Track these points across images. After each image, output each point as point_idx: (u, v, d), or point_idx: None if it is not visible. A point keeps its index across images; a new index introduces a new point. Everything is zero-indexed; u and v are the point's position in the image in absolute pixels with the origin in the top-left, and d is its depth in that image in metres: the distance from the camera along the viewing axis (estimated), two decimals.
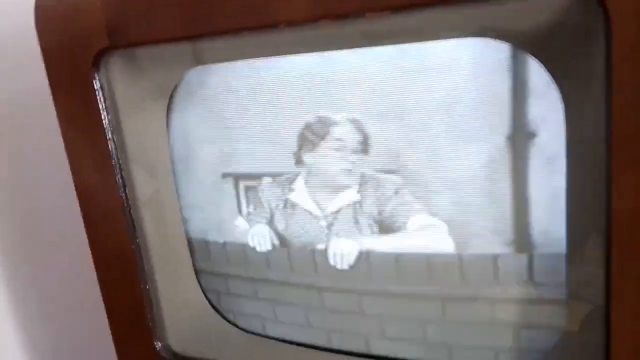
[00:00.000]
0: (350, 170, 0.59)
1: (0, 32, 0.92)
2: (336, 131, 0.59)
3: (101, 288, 0.73)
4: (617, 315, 0.47)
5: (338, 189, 0.61)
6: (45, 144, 0.93)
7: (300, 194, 0.63)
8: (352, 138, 0.58)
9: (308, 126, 0.60)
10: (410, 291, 0.60)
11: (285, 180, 0.63)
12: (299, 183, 0.63)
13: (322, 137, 0.59)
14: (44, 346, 1.08)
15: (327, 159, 0.60)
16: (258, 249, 0.67)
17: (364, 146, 0.57)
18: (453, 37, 0.50)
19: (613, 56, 0.41)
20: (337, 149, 0.59)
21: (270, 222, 0.66)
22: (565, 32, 0.45)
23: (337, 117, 0.58)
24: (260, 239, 0.67)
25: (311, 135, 0.60)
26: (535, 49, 0.47)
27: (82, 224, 0.71)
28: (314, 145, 0.60)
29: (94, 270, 0.72)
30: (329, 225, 0.62)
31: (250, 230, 0.67)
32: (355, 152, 0.58)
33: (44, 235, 1.04)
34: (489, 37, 0.49)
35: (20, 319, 1.04)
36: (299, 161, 0.61)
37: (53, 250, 1.05)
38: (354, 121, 0.57)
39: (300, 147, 0.61)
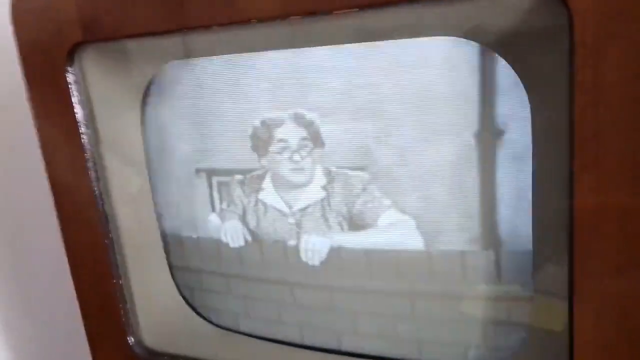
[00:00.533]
0: (301, 168, 0.60)
1: None
2: (278, 133, 0.60)
3: (74, 283, 0.73)
4: (579, 312, 0.48)
5: (300, 187, 0.61)
6: (19, 139, 0.93)
7: (268, 192, 0.64)
8: (295, 136, 0.59)
9: (255, 132, 0.61)
10: (380, 287, 0.61)
11: (255, 178, 0.64)
12: (267, 182, 0.63)
13: (268, 142, 0.60)
14: (21, 342, 1.07)
15: (278, 161, 0.61)
16: (231, 244, 0.67)
17: (314, 140, 0.58)
18: (423, 35, 0.51)
19: (575, 57, 0.42)
20: (283, 150, 0.60)
21: (243, 219, 0.66)
22: (531, 33, 0.46)
23: (280, 116, 0.59)
24: (233, 234, 0.67)
25: (259, 141, 0.61)
26: (502, 48, 0.48)
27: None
28: (265, 150, 0.61)
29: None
30: (298, 223, 0.63)
31: (223, 225, 0.67)
32: (302, 149, 0.59)
33: (20, 231, 1.04)
34: (458, 36, 0.49)
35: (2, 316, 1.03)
36: (260, 164, 0.62)
37: (29, 246, 1.05)
38: (295, 117, 0.58)
39: (256, 151, 0.62)
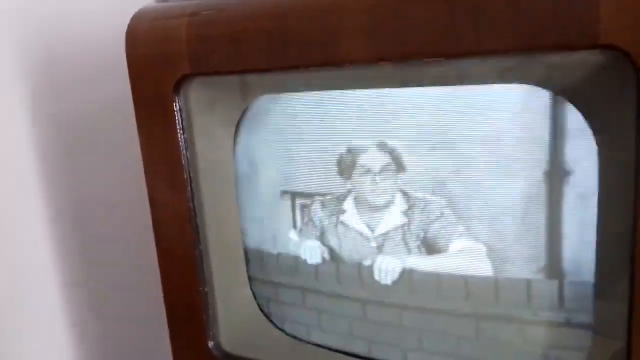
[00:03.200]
0: (383, 190, 0.66)
1: (103, 39, 1.00)
2: (361, 159, 0.66)
3: (163, 289, 0.80)
4: (637, 347, 0.52)
5: (380, 209, 0.67)
6: (125, 150, 1.01)
7: (350, 215, 0.70)
8: (378, 161, 0.65)
9: (341, 158, 0.68)
10: (447, 308, 0.66)
11: (335, 200, 0.70)
12: (349, 204, 0.69)
13: (352, 167, 0.67)
14: (98, 344, 1.15)
15: (361, 185, 0.67)
16: (309, 261, 0.74)
17: (397, 165, 0.64)
18: (502, 82, 0.56)
19: None
20: (364, 174, 0.66)
21: (321, 238, 0.72)
22: (600, 84, 0.51)
23: (364, 144, 0.65)
24: (312, 252, 0.73)
25: (344, 166, 0.67)
26: (573, 97, 0.53)
27: (149, 229, 0.78)
28: (350, 174, 0.67)
29: (157, 273, 0.80)
30: (379, 246, 0.68)
31: (303, 243, 0.74)
32: (383, 172, 0.65)
33: (114, 239, 1.11)
34: (531, 84, 0.55)
35: (74, 317, 1.11)
36: (344, 187, 0.68)
37: (122, 252, 1.13)
38: (378, 145, 0.64)
39: (341, 176, 0.68)
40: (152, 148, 0.75)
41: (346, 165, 0.67)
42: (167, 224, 0.77)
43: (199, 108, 0.72)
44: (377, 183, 0.66)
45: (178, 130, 0.72)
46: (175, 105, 0.71)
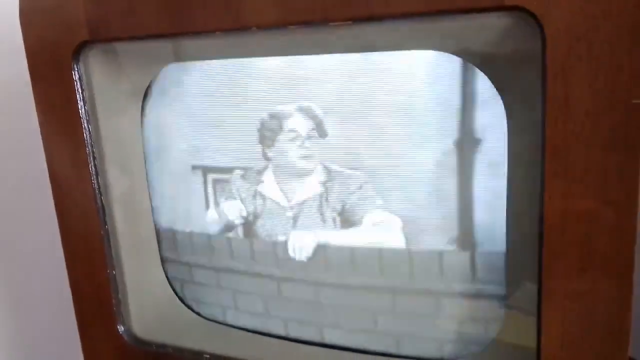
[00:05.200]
0: (309, 155, 0.63)
1: None
2: (289, 123, 0.63)
3: (69, 272, 0.76)
4: (547, 310, 0.52)
5: (302, 177, 0.65)
6: (21, 133, 0.95)
7: (268, 185, 0.67)
8: (305, 126, 0.63)
9: (263, 124, 0.65)
10: (363, 283, 0.65)
11: (254, 173, 0.67)
12: (268, 175, 0.67)
13: (277, 132, 0.64)
14: (10, 331, 1.09)
15: (287, 150, 0.64)
16: (230, 217, 0.70)
17: (320, 131, 0.62)
18: (409, 48, 0.55)
19: (547, 73, 0.46)
20: (293, 139, 0.64)
21: (239, 212, 0.70)
22: (508, 50, 0.50)
23: (288, 109, 0.63)
24: (233, 209, 0.70)
25: (268, 132, 0.64)
26: (482, 63, 0.52)
27: (54, 211, 0.74)
28: (272, 141, 0.64)
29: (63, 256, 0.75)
30: (295, 217, 0.66)
31: (223, 204, 0.70)
32: (310, 137, 0.63)
33: (15, 222, 1.06)
34: (442, 50, 0.53)
35: None
36: (264, 156, 0.66)
37: (23, 237, 1.07)
38: (303, 110, 0.62)
39: (262, 144, 0.65)
40: (51, 123, 0.70)
41: (270, 132, 0.64)
42: (70, 204, 0.72)
43: (102, 79, 0.68)
44: (305, 147, 0.63)
45: (79, 102, 0.67)
46: (75, 75, 0.66)
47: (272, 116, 0.64)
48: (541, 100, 0.47)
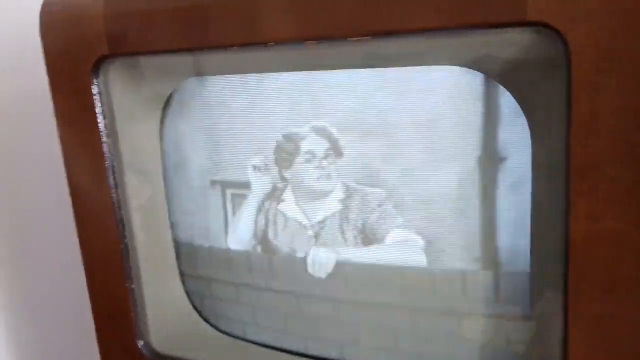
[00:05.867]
0: (327, 175, 0.62)
1: (4, 32, 0.96)
2: (304, 145, 0.62)
3: (88, 286, 0.76)
4: (573, 334, 0.50)
5: (322, 197, 0.64)
6: (43, 144, 0.96)
7: (289, 204, 0.66)
8: (321, 146, 0.62)
9: (279, 146, 0.64)
10: (383, 301, 0.63)
11: (274, 190, 0.66)
12: (288, 194, 0.66)
13: (294, 154, 0.63)
14: (30, 344, 1.10)
15: (304, 172, 0.64)
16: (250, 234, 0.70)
17: (336, 151, 0.61)
18: (430, 64, 0.53)
19: (572, 90, 0.44)
20: (309, 160, 0.63)
21: (256, 230, 0.69)
22: (532, 65, 0.48)
23: (303, 130, 0.62)
24: (252, 225, 0.69)
25: (284, 154, 0.64)
26: (505, 79, 0.50)
27: (74, 225, 0.74)
28: (289, 163, 0.64)
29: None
30: (316, 235, 0.65)
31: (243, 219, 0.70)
32: (327, 157, 0.62)
33: (35, 234, 1.06)
34: (463, 65, 0.52)
35: (6, 318, 1.06)
36: (281, 178, 0.65)
37: (44, 250, 1.08)
38: (318, 130, 0.61)
39: (279, 166, 0.65)
40: (71, 136, 0.70)
41: (286, 153, 0.64)
42: (90, 217, 0.72)
43: (121, 92, 0.68)
44: (322, 168, 0.63)
45: (98, 116, 0.67)
46: (95, 89, 0.66)
47: (288, 138, 0.63)
48: (566, 117, 0.46)
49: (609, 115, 0.44)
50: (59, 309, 1.11)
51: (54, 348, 1.12)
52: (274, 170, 0.65)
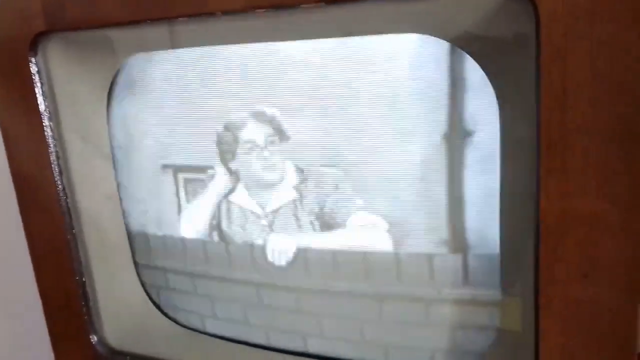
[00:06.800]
0: (273, 164, 0.58)
1: None
2: (243, 134, 0.58)
3: (37, 279, 0.71)
4: (545, 317, 0.47)
5: (273, 185, 0.60)
6: None
7: (240, 193, 0.62)
8: (260, 133, 0.58)
9: (220, 138, 0.60)
10: (347, 289, 0.60)
11: (224, 181, 0.62)
12: (239, 185, 0.62)
13: (234, 144, 0.59)
14: None
15: (248, 162, 0.60)
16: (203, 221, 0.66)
17: (280, 134, 0.57)
18: (391, 32, 0.50)
19: (542, 57, 0.41)
20: (251, 150, 0.59)
21: (213, 217, 0.65)
22: (499, 32, 0.45)
23: (241, 117, 0.58)
24: (206, 212, 0.65)
25: (225, 146, 0.59)
26: (471, 47, 0.47)
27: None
28: (233, 154, 0.60)
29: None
30: (270, 224, 0.61)
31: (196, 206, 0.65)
32: (268, 145, 0.58)
33: None
34: (427, 33, 0.48)
35: None
36: (228, 170, 0.61)
37: None
38: (256, 116, 0.57)
39: (223, 158, 0.61)
40: (11, 119, 0.65)
41: (228, 145, 0.60)
42: (35, 207, 0.68)
43: (62, 72, 0.63)
44: (265, 158, 0.59)
45: (38, 96, 0.62)
46: (33, 67, 0.61)
47: (226, 128, 0.59)
48: (535, 87, 0.42)
49: (582, 84, 0.41)
50: (14, 305, 1.06)
51: (11, 345, 1.08)
52: (222, 160, 0.61)
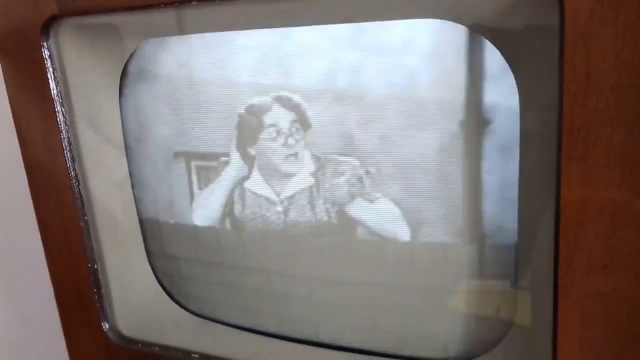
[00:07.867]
0: (295, 154, 0.58)
1: None
2: (268, 118, 0.57)
3: (49, 266, 0.71)
4: (564, 309, 0.46)
5: (291, 174, 0.59)
6: None
7: (255, 180, 0.62)
8: (286, 119, 0.57)
9: (242, 121, 0.59)
10: (361, 278, 0.59)
11: (240, 166, 0.62)
12: (255, 171, 0.61)
13: (257, 129, 0.58)
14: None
15: (270, 150, 0.59)
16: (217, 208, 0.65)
17: (303, 122, 0.56)
18: (409, 17, 0.49)
19: (566, 43, 0.40)
20: (274, 138, 0.58)
21: (225, 204, 0.64)
22: (521, 16, 0.44)
23: (265, 101, 0.57)
24: (219, 199, 0.64)
25: (247, 130, 0.58)
26: (491, 33, 0.46)
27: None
28: (254, 138, 0.59)
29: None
30: (285, 211, 0.60)
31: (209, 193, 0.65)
32: (293, 133, 0.57)
33: None
34: (446, 18, 0.47)
35: None
36: (244, 155, 0.60)
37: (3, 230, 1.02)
38: (282, 100, 0.56)
39: (243, 142, 0.60)
40: (23, 104, 0.64)
41: (250, 129, 0.58)
42: (47, 193, 0.67)
43: (74, 58, 0.63)
44: (289, 147, 0.58)
45: (50, 82, 0.62)
46: (45, 52, 0.60)
47: (249, 111, 0.58)
48: (558, 73, 0.41)
49: (606, 70, 0.39)
50: (27, 292, 1.06)
51: (23, 334, 1.08)
52: (240, 145, 0.60)
